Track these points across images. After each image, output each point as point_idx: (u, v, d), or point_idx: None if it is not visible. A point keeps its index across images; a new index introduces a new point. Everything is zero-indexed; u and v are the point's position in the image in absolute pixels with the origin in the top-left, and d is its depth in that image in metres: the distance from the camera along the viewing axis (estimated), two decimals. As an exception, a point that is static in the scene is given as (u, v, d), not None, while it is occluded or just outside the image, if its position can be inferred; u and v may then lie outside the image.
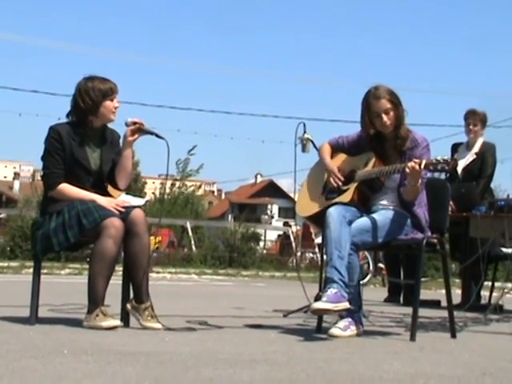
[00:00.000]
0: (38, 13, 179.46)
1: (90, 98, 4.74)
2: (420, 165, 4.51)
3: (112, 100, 4.79)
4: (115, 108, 4.80)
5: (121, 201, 4.73)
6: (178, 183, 33.32)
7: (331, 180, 5.02)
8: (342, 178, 4.99)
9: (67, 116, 4.84)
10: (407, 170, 4.56)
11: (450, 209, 5.40)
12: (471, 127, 8.31)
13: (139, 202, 4.79)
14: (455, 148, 8.47)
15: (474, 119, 8.31)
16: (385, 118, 4.80)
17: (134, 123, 4.78)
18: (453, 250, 8.52)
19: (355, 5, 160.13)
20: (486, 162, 8.24)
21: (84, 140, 4.78)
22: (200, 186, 36.60)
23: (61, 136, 4.71)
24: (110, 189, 4.89)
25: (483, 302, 7.88)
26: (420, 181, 4.62)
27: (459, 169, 8.16)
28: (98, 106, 4.74)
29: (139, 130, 4.80)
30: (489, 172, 8.25)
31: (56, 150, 4.70)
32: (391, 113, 4.80)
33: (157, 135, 4.81)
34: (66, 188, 4.68)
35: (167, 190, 32.50)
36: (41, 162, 4.83)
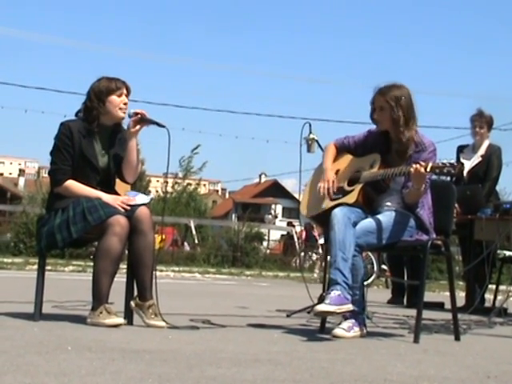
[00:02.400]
0: (46, 10, 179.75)
1: (95, 94, 4.76)
2: (426, 168, 4.50)
3: (119, 96, 4.79)
4: (124, 104, 4.81)
5: (126, 198, 4.73)
6: (180, 181, 33.27)
7: (321, 186, 4.99)
8: (335, 190, 4.96)
9: (76, 114, 4.85)
10: (412, 171, 4.55)
11: (455, 211, 5.39)
12: (477, 129, 8.29)
13: (144, 199, 4.78)
14: (461, 150, 8.45)
15: (481, 122, 8.30)
16: (376, 114, 4.85)
17: (136, 114, 4.79)
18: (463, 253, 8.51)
19: (363, 6, 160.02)
20: (491, 164, 8.22)
21: (93, 138, 4.79)
22: (199, 183, 36.37)
23: (72, 132, 4.71)
24: (116, 187, 4.90)
25: (487, 304, 7.87)
26: (424, 185, 4.62)
27: (465, 171, 8.15)
28: (103, 102, 4.75)
29: (141, 120, 4.81)
30: (494, 175, 8.23)
31: (65, 146, 4.71)
32: (385, 112, 4.81)
33: (158, 124, 4.82)
34: (73, 184, 4.69)
35: (170, 189, 32.43)
36: (47, 158, 4.84)
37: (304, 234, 21.40)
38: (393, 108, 4.80)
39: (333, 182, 4.98)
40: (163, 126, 4.81)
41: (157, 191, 36.16)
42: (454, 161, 4.54)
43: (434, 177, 4.91)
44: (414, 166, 4.56)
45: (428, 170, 4.50)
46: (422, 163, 4.54)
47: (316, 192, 5.17)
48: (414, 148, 4.83)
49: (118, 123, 4.89)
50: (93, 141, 4.79)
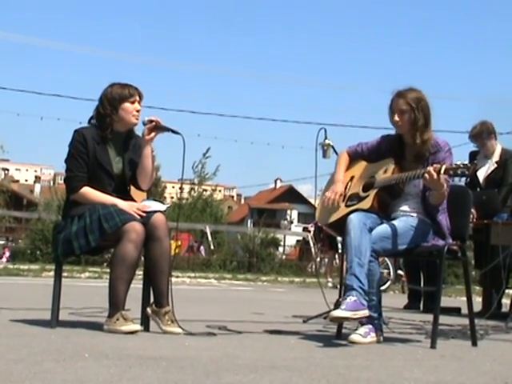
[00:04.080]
0: (62, 17, 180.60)
1: (108, 101, 4.78)
2: (439, 171, 4.49)
3: (132, 103, 4.81)
4: (137, 111, 4.82)
5: (142, 205, 4.75)
6: (196, 187, 33.33)
7: (328, 196, 5.00)
8: (340, 202, 4.97)
9: (89, 121, 4.87)
10: (426, 176, 4.54)
11: (471, 216, 5.37)
12: (482, 147, 8.22)
13: (161, 207, 4.79)
14: (473, 156, 8.34)
15: (480, 140, 8.21)
16: (396, 117, 4.82)
17: (151, 121, 4.81)
18: (476, 258, 8.47)
19: (376, 11, 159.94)
20: (507, 169, 8.17)
21: (107, 144, 4.81)
22: (215, 189, 36.38)
23: (86, 139, 4.73)
24: (132, 193, 4.91)
25: (504, 309, 7.84)
26: (445, 185, 4.61)
27: (481, 178, 8.12)
28: (116, 109, 4.77)
29: (156, 127, 4.82)
30: (510, 180, 8.18)
31: (80, 154, 4.73)
32: (406, 115, 4.81)
33: (173, 131, 4.84)
34: (88, 191, 4.70)
35: (185, 195, 32.48)
36: (62, 165, 4.87)
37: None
38: (414, 110, 4.80)
39: (340, 194, 4.99)
40: (178, 133, 4.83)
41: (172, 197, 36.24)
42: (467, 161, 4.53)
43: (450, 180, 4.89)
44: (427, 169, 4.55)
45: (442, 171, 4.49)
46: (436, 166, 4.53)
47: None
48: (430, 150, 4.83)
49: (130, 129, 4.91)
50: (107, 147, 4.80)
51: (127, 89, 4.82)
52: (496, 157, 8.23)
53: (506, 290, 7.87)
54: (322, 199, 5.10)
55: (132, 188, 4.94)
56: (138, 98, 4.85)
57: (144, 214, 4.64)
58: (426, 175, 4.53)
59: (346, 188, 5.09)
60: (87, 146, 4.73)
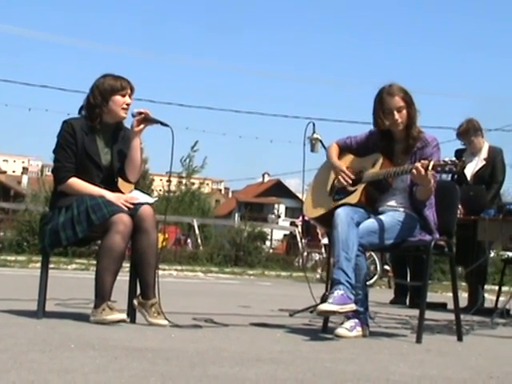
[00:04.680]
0: (49, 8, 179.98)
1: (100, 92, 4.77)
2: (426, 168, 4.49)
3: (123, 96, 4.80)
4: (127, 105, 4.81)
5: (130, 197, 4.74)
6: (184, 180, 33.32)
7: (340, 178, 5.01)
8: (352, 176, 4.98)
9: (79, 111, 4.86)
10: (413, 172, 4.54)
11: (458, 212, 5.38)
12: (469, 144, 8.24)
13: (148, 199, 4.79)
14: (459, 154, 8.31)
15: (467, 138, 8.22)
16: (396, 115, 4.80)
17: (140, 113, 4.80)
18: (458, 254, 8.49)
19: (364, 7, 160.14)
20: (496, 168, 8.18)
21: (96, 135, 4.80)
22: (203, 183, 36.37)
23: (74, 130, 4.72)
24: (120, 185, 4.90)
25: (489, 305, 7.87)
26: (432, 181, 4.61)
27: (468, 175, 8.13)
28: (106, 101, 4.76)
29: (145, 119, 4.82)
30: (500, 178, 8.20)
31: (68, 144, 4.72)
32: (403, 111, 4.80)
33: (162, 123, 4.83)
34: (76, 182, 4.69)
35: (173, 188, 32.46)
36: (50, 156, 4.88)
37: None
38: (410, 105, 4.80)
39: (346, 168, 4.99)
40: (167, 125, 4.82)
41: (160, 190, 36.18)
42: (455, 158, 4.54)
43: (437, 176, 4.90)
44: (414, 166, 4.56)
45: (430, 168, 4.49)
46: (424, 162, 4.53)
47: (319, 193, 5.18)
48: (417, 144, 4.83)
49: (119, 121, 4.90)
50: (96, 138, 4.79)
51: (119, 81, 4.81)
52: (484, 154, 8.23)
53: (492, 287, 7.89)
54: (332, 183, 5.08)
55: (119, 180, 4.93)
56: (129, 92, 4.84)
57: (132, 206, 4.64)
58: (414, 171, 4.53)
59: (333, 181, 5.10)
60: (76, 137, 4.72)
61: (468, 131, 8.19)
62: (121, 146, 4.88)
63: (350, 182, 4.97)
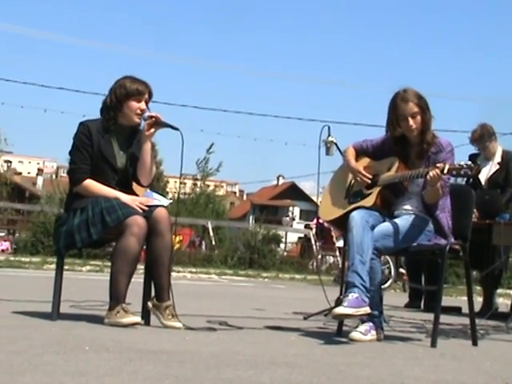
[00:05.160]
0: (67, 10, 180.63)
1: (116, 95, 4.77)
2: (442, 170, 4.48)
3: (138, 101, 4.79)
4: (141, 110, 4.81)
5: (145, 199, 4.75)
6: (199, 183, 33.30)
7: (359, 179, 5.00)
8: (370, 176, 4.96)
9: (101, 112, 4.86)
10: (430, 174, 4.52)
11: (474, 216, 5.35)
12: (484, 150, 8.19)
13: (164, 201, 4.79)
14: (473, 159, 8.26)
15: (482, 143, 8.17)
16: (411, 121, 4.77)
17: (151, 117, 4.80)
18: (473, 258, 8.44)
19: (379, 10, 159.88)
20: (510, 171, 8.13)
21: (112, 138, 4.80)
22: (218, 185, 36.42)
23: (90, 132, 4.73)
24: (134, 187, 4.91)
25: (504, 310, 7.83)
26: (439, 184, 4.59)
27: (482, 179, 8.09)
28: (121, 105, 4.77)
29: (156, 123, 4.82)
30: None
31: (84, 146, 4.73)
32: (418, 117, 4.78)
33: (172, 127, 4.84)
34: (91, 184, 4.70)
35: (188, 191, 32.47)
36: (65, 158, 4.87)
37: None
38: (425, 111, 4.78)
39: (363, 168, 4.99)
40: (177, 129, 4.82)
41: (174, 192, 36.17)
42: (470, 162, 4.52)
43: (452, 179, 4.88)
44: (431, 168, 4.54)
45: (445, 171, 4.48)
46: (440, 165, 4.52)
47: (334, 195, 5.18)
48: (432, 149, 4.82)
49: (135, 125, 4.91)
50: (111, 140, 4.80)
51: (137, 85, 4.80)
52: (498, 158, 8.19)
53: (507, 291, 7.85)
54: (349, 183, 5.07)
55: (133, 183, 4.94)
56: (146, 97, 4.84)
57: (146, 208, 4.64)
58: (431, 174, 4.52)
59: (350, 184, 5.09)
60: (92, 139, 4.73)
61: (482, 137, 8.15)
62: (134, 149, 4.88)
63: (369, 181, 4.95)
